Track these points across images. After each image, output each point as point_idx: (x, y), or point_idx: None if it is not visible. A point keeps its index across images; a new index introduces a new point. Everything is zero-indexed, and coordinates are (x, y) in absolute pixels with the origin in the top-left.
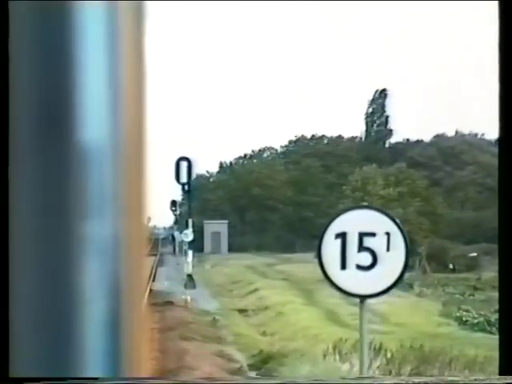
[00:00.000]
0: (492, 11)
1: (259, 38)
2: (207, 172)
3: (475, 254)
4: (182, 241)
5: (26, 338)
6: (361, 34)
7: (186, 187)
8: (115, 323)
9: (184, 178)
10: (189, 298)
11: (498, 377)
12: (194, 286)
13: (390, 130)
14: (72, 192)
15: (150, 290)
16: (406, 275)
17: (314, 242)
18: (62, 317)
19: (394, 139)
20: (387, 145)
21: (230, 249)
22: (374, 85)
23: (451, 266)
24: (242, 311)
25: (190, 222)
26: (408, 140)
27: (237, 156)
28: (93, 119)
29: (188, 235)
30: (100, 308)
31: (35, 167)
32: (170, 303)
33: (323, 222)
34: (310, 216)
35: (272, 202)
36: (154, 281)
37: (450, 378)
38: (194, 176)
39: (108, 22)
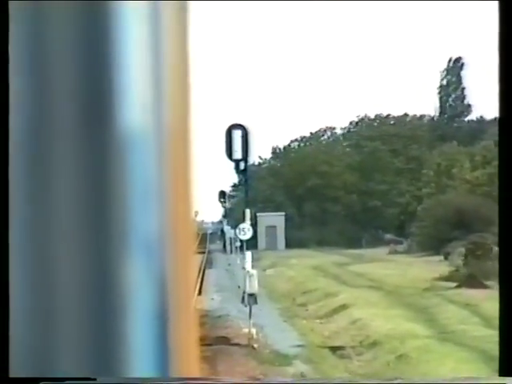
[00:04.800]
0: None
1: (321, 16)
2: (259, 157)
3: None
4: (235, 237)
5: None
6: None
7: (242, 165)
8: (161, 322)
9: (238, 153)
10: (254, 331)
11: (498, 377)
12: (254, 301)
13: (469, 105)
14: (113, 183)
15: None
16: None
17: (382, 235)
18: (105, 314)
19: (470, 116)
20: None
21: (288, 245)
22: (446, 54)
23: None
24: (335, 349)
25: (248, 212)
26: (481, 117)
27: (292, 139)
28: (135, 105)
29: (245, 231)
30: (145, 306)
31: (75, 157)
32: (225, 341)
33: (393, 212)
34: (377, 205)
35: (333, 191)
36: (200, 293)
37: (451, 378)
38: (251, 150)
39: (149, 4)
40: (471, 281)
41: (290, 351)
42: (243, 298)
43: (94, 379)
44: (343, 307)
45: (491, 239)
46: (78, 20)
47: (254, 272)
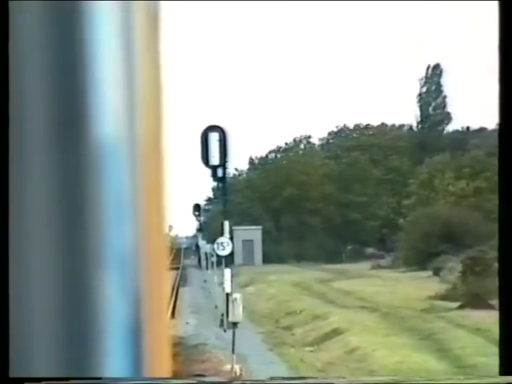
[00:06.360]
0: None
1: (300, 25)
2: (235, 169)
3: None
4: (211, 251)
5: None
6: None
7: (220, 172)
8: (135, 335)
9: (215, 159)
10: (237, 367)
11: (498, 377)
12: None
13: (448, 113)
14: (86, 196)
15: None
16: None
17: (363, 249)
18: (77, 321)
19: (451, 126)
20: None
21: (265, 259)
22: (424, 62)
23: None
24: None
25: (227, 225)
26: (468, 128)
27: (268, 150)
28: (108, 116)
29: (224, 245)
30: (118, 320)
31: (48, 169)
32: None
33: (373, 225)
34: (357, 218)
35: (311, 203)
36: (173, 315)
37: (450, 378)
38: (230, 155)
39: (122, 16)
40: (474, 300)
41: None
42: (222, 322)
43: (100, 378)
44: (336, 332)
45: (490, 254)
46: (49, 30)
47: (238, 296)
